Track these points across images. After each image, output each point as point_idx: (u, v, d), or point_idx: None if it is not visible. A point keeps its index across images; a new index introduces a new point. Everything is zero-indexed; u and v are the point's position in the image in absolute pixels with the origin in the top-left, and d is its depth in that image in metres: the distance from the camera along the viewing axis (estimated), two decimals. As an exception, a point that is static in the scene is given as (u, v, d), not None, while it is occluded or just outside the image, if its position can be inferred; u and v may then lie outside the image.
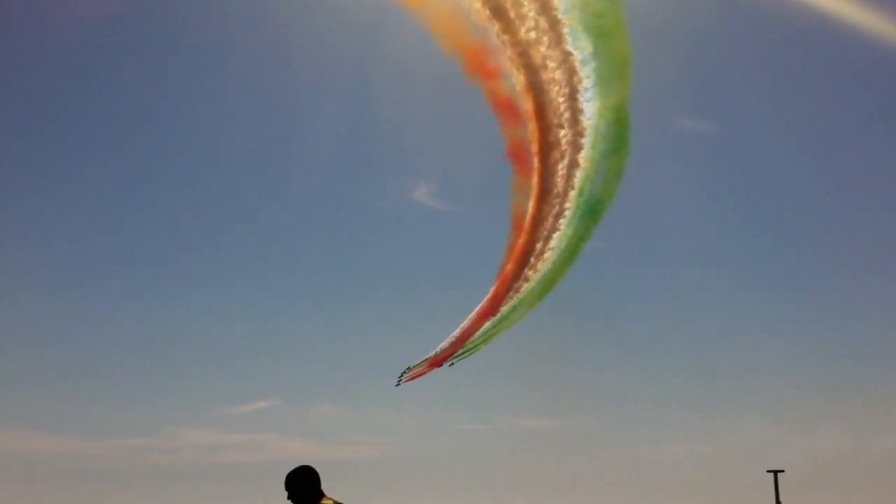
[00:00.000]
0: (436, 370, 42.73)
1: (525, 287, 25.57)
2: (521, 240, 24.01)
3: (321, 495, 6.09)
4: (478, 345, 28.98)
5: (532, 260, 24.62)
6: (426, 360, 42.13)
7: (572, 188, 22.34)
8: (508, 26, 19.73)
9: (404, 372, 45.02)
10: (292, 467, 6.15)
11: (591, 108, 21.18)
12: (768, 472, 55.00)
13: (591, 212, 22.60)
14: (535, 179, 22.56)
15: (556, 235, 23.62)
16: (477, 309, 27.40)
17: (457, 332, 29.27)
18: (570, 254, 23.80)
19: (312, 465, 6.24)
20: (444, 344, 32.07)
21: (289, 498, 6.11)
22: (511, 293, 26.04)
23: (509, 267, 24.82)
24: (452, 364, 40.65)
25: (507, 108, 22.24)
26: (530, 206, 23.26)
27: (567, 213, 22.86)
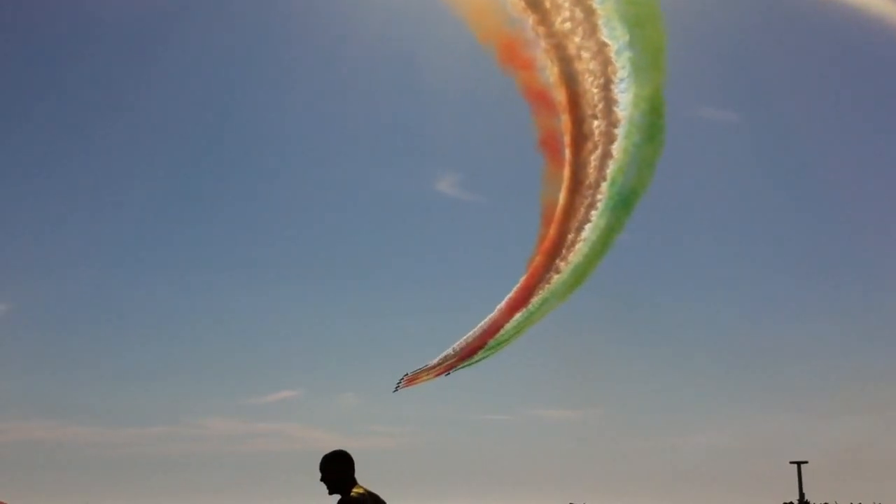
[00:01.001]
0: (434, 378, 42.83)
1: (556, 279, 25.46)
2: (552, 231, 23.88)
3: (354, 482, 6.06)
4: (500, 344, 28.87)
5: (563, 251, 24.51)
6: (426, 367, 42.20)
7: (604, 179, 22.19)
8: (543, 17, 19.56)
9: (402, 378, 45.01)
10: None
11: (625, 98, 21.01)
12: (791, 462, 55.05)
13: (624, 203, 22.46)
14: (567, 170, 22.44)
15: (587, 227, 23.52)
16: (506, 300, 27.40)
17: (484, 324, 29.26)
18: (602, 245, 23.69)
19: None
20: (463, 342, 31.88)
21: (322, 479, 6.09)
22: (542, 284, 25.95)
23: (539, 258, 24.72)
24: (449, 374, 40.70)
25: (539, 99, 22.11)
26: (562, 197, 23.14)
27: (599, 204, 22.74)
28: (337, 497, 6.04)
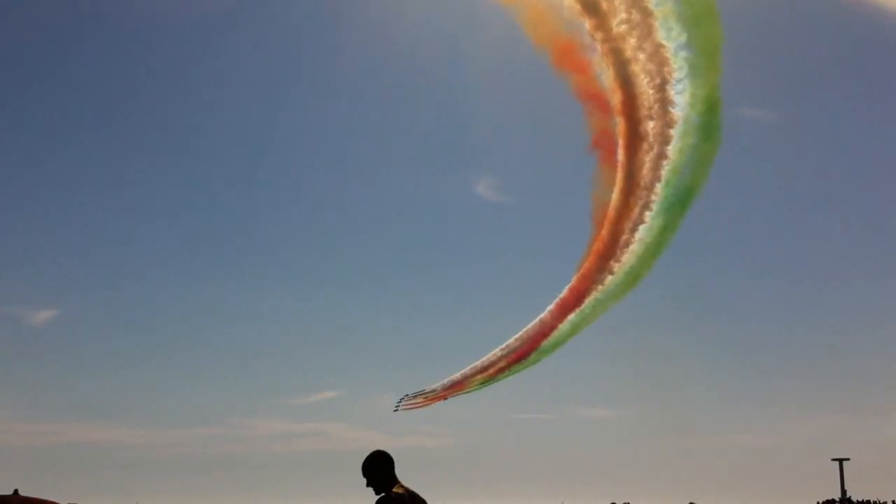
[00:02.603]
0: (433, 402, 43.30)
1: (610, 280, 25.44)
2: (605, 232, 23.86)
3: (395, 482, 6.11)
4: (555, 346, 28.84)
5: (617, 252, 24.47)
6: (424, 391, 42.71)
7: (659, 180, 22.14)
8: (600, 20, 19.56)
9: (403, 398, 45.46)
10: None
11: (681, 98, 20.96)
12: (833, 460, 54.25)
13: (680, 203, 22.38)
14: (620, 171, 22.39)
15: (641, 227, 23.46)
16: (556, 302, 27.37)
17: (533, 327, 29.26)
18: (656, 246, 23.61)
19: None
20: (511, 343, 31.92)
21: (368, 485, 6.17)
22: (594, 286, 25.93)
23: (591, 260, 24.69)
24: (446, 400, 41.01)
25: (593, 100, 22.11)
26: (615, 198, 23.12)
27: (654, 204, 22.66)
28: None
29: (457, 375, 36.12)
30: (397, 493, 6.00)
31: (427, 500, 6.14)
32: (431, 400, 43.05)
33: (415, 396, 44.16)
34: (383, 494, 6.07)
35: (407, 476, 6.14)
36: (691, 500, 16.67)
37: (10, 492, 9.91)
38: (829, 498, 57.01)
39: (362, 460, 6.18)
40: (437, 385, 38.73)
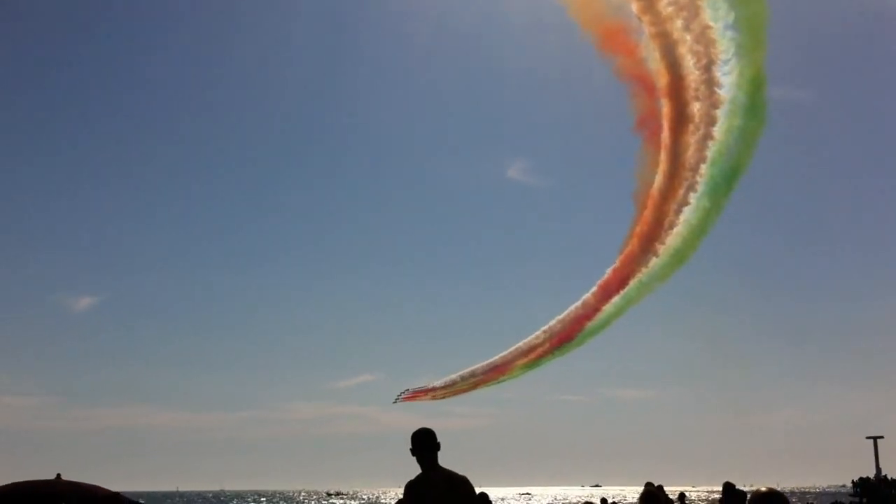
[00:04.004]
0: (432, 399, 43.59)
1: (654, 262, 25.57)
2: (648, 213, 23.93)
3: (424, 464, 5.90)
4: (599, 328, 28.87)
5: (661, 234, 24.58)
6: (425, 387, 43.10)
7: (704, 160, 22.18)
8: (647, 2, 19.62)
9: (402, 392, 46.07)
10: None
11: (727, 79, 20.97)
12: (868, 438, 54.16)
13: (725, 182, 22.40)
14: (665, 153, 22.45)
15: (686, 209, 23.53)
16: (599, 284, 27.45)
17: (577, 308, 29.34)
18: (701, 227, 23.68)
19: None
20: (554, 326, 31.97)
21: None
22: (638, 268, 26.07)
23: (635, 242, 24.76)
24: (446, 397, 41.34)
25: (639, 82, 22.14)
26: (658, 180, 23.19)
27: (699, 185, 22.72)
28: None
29: (496, 359, 36.36)
30: (411, 482, 5.82)
31: (468, 479, 5.88)
32: (432, 397, 43.56)
33: (415, 392, 44.84)
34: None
35: (446, 456, 5.95)
36: (727, 480, 16.97)
37: (52, 476, 10.36)
38: (864, 476, 56.94)
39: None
40: (477, 367, 38.89)
